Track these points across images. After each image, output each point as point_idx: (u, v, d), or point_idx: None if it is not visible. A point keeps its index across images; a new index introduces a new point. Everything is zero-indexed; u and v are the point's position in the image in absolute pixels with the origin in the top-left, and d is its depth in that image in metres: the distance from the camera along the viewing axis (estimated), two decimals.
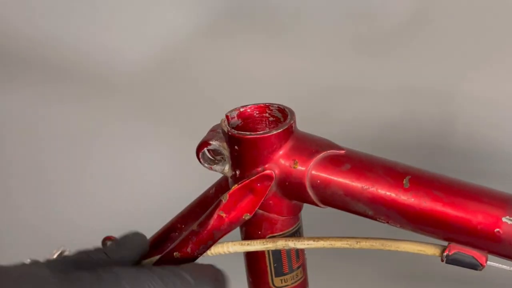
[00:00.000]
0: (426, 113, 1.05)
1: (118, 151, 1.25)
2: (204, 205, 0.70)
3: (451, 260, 0.60)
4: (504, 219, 0.57)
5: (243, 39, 1.06)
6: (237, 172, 0.63)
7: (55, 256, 0.82)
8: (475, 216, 0.58)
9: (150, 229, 0.79)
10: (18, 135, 1.30)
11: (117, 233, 0.82)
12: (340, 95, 1.09)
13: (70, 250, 0.81)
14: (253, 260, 0.67)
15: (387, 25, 1.02)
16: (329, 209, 0.65)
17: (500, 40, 0.99)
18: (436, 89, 1.04)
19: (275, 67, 1.10)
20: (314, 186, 0.61)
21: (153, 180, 1.24)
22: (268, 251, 0.66)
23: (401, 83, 1.04)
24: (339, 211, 0.64)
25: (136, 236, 0.65)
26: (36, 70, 1.22)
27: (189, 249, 0.64)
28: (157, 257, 0.67)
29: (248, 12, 1.04)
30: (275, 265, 0.66)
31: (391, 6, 1.01)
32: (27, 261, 0.81)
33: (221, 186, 0.71)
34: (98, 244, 0.82)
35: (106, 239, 0.82)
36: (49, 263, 0.58)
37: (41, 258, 0.79)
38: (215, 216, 0.63)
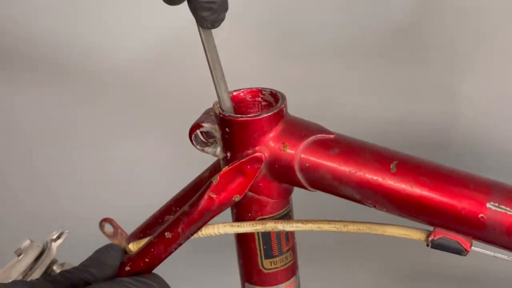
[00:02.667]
0: (427, 113, 1.05)
1: (112, 142, 1.26)
2: (199, 188, 0.71)
3: (436, 245, 0.60)
4: (488, 205, 0.58)
5: (243, 36, 1.08)
6: (228, 154, 0.64)
7: (54, 237, 0.84)
8: (460, 201, 0.58)
9: (143, 214, 0.81)
10: (15, 132, 1.32)
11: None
12: (341, 95, 1.09)
13: (69, 232, 0.83)
14: (243, 242, 0.68)
15: (388, 25, 1.02)
16: (326, 196, 0.65)
17: (500, 41, 0.99)
18: (437, 89, 1.05)
19: (275, 66, 1.11)
20: (303, 169, 0.62)
21: (147, 168, 1.26)
22: (258, 233, 0.67)
23: (402, 82, 1.05)
24: (335, 197, 0.64)
25: (110, 250, 0.68)
26: (30, 67, 1.24)
27: (180, 230, 0.65)
28: (148, 238, 0.68)
29: (248, 11, 1.05)
30: (264, 247, 0.67)
31: (392, 7, 1.02)
32: (27, 241, 0.83)
33: (215, 169, 0.71)
34: (96, 229, 0.83)
35: (103, 221, 0.83)
36: (33, 284, 0.61)
37: (41, 239, 0.81)
38: (205, 197, 0.64)
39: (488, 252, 0.61)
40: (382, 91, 1.08)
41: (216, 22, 0.55)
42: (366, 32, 1.05)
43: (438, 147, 1.07)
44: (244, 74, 1.09)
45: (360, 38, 1.05)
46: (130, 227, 0.82)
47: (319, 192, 0.65)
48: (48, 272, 0.81)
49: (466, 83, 1.04)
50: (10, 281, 0.77)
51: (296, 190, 0.67)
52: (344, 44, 1.08)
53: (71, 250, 0.84)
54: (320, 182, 0.62)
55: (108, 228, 0.83)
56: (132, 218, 0.84)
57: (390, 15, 1.03)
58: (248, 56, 1.10)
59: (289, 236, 0.68)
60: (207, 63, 0.60)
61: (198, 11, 0.54)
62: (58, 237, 0.83)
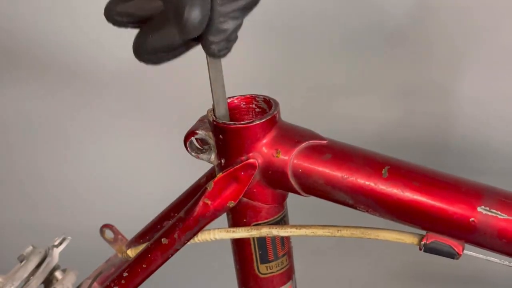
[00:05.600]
0: (426, 113, 1.06)
1: (112, 149, 1.27)
2: (196, 194, 0.72)
3: (429, 249, 0.61)
4: (479, 209, 0.58)
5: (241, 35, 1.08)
6: (222, 161, 0.64)
7: (56, 243, 0.85)
8: (451, 205, 0.59)
9: (144, 219, 0.81)
10: (14, 135, 1.32)
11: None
12: (341, 94, 1.10)
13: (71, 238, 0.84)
14: (239, 247, 0.69)
15: (388, 25, 1.03)
16: (321, 201, 0.66)
17: (500, 41, 1.00)
18: (436, 89, 1.05)
19: (275, 65, 1.11)
20: (296, 175, 0.63)
21: (147, 174, 1.27)
22: (253, 238, 0.67)
23: (401, 82, 1.05)
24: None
25: None
26: (26, 66, 1.24)
27: (176, 236, 0.66)
28: (145, 244, 0.69)
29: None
30: (260, 252, 0.68)
31: (392, 6, 1.02)
32: (29, 247, 0.84)
33: (212, 176, 0.72)
34: (97, 235, 0.84)
35: (104, 227, 0.84)
36: None
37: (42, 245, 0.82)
38: (200, 203, 0.64)
39: (480, 255, 0.61)
40: (381, 91, 1.09)
41: (226, 52, 0.55)
42: (366, 31, 1.05)
43: (437, 148, 1.08)
44: (239, 79, 1.10)
45: (359, 37, 1.06)
46: (130, 233, 0.83)
47: (314, 198, 0.66)
48: (50, 278, 0.82)
49: (466, 83, 1.04)
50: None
51: (293, 196, 0.68)
52: (342, 44, 1.09)
53: (73, 256, 0.85)
54: (313, 187, 0.63)
55: (109, 234, 0.84)
56: (133, 224, 0.85)
57: (389, 14, 1.03)
58: (243, 59, 1.11)
59: (285, 241, 0.69)
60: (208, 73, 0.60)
61: (208, 45, 0.53)
62: (60, 243, 0.84)
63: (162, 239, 0.67)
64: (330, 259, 1.17)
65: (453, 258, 0.61)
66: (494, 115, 1.03)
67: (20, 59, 1.24)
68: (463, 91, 1.04)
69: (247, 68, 1.14)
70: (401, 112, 1.08)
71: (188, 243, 0.67)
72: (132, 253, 0.74)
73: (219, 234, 0.67)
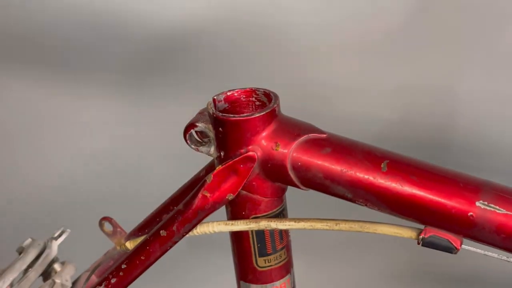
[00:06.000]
0: (427, 112, 1.06)
1: (112, 141, 1.27)
2: (195, 187, 0.72)
3: (427, 243, 0.61)
4: (477, 204, 0.58)
5: (243, 36, 1.08)
6: (222, 154, 0.65)
7: (55, 236, 0.85)
8: (450, 200, 0.59)
9: (143, 212, 0.82)
10: (13, 129, 1.32)
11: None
12: (342, 94, 1.10)
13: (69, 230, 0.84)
14: (238, 240, 0.69)
15: (388, 25, 1.03)
16: (322, 195, 0.66)
17: (500, 40, 1.00)
18: (437, 88, 1.05)
19: (278, 64, 1.11)
20: (295, 169, 0.63)
21: (144, 165, 1.27)
22: (252, 231, 0.67)
23: (403, 82, 1.05)
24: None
25: None
26: (24, 62, 1.24)
27: (174, 228, 0.66)
28: (144, 237, 0.69)
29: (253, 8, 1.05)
30: (258, 245, 0.68)
31: (392, 6, 1.02)
32: (28, 239, 0.84)
33: (211, 168, 0.72)
34: (96, 228, 0.84)
35: (103, 220, 0.84)
36: None
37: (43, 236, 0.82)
38: (199, 195, 0.65)
39: (478, 250, 0.61)
40: (381, 90, 1.09)
41: None
42: (365, 30, 1.06)
43: (438, 147, 1.08)
44: (241, 73, 1.11)
45: (358, 36, 1.06)
46: (129, 226, 0.83)
47: (313, 191, 0.66)
48: (48, 270, 0.82)
49: (466, 83, 1.05)
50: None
51: (292, 190, 0.68)
52: (342, 42, 1.09)
53: (72, 249, 0.86)
54: (312, 181, 0.63)
55: (108, 227, 0.84)
56: (132, 217, 0.85)
57: (389, 13, 1.03)
58: (245, 54, 1.11)
59: (283, 234, 0.69)
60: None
61: None
62: (59, 236, 0.84)
63: (161, 231, 0.67)
64: (329, 258, 1.17)
65: (451, 252, 0.61)
66: (496, 114, 1.03)
67: (18, 56, 1.25)
68: (465, 91, 1.04)
69: (248, 65, 1.14)
70: (403, 111, 1.08)
71: (187, 235, 0.67)
72: (130, 245, 0.74)
73: (217, 226, 0.67)
